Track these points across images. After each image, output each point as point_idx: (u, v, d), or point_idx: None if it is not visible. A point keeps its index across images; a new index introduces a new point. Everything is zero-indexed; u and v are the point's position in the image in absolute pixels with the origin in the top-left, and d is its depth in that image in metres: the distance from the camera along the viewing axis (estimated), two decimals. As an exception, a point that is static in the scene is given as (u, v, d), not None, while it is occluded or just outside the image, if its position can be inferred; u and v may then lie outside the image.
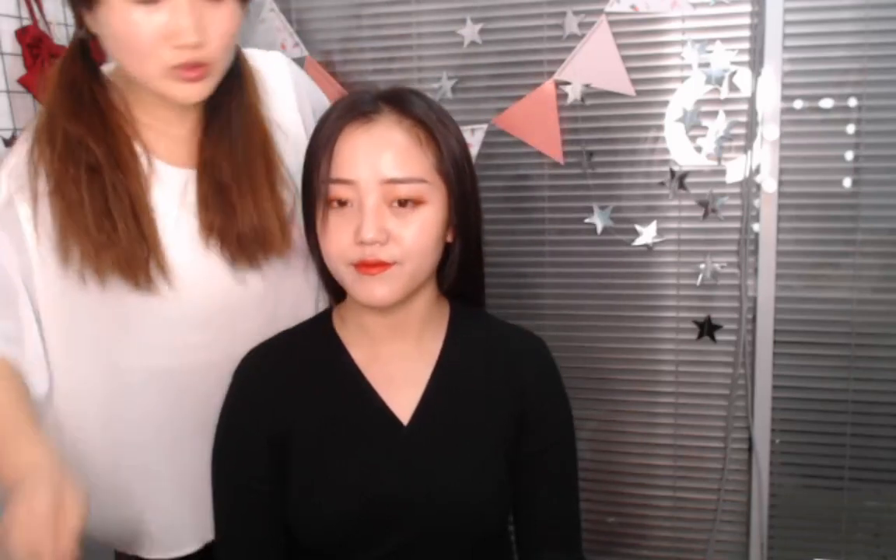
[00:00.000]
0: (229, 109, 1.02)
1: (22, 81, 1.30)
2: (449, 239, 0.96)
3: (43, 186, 0.95)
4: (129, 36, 0.88)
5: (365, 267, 0.87)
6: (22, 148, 0.99)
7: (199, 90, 0.94)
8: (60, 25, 1.39)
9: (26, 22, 1.31)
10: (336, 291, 1.00)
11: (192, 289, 1.02)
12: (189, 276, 1.01)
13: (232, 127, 1.01)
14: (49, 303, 1.00)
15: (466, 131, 1.79)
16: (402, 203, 0.88)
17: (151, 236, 0.97)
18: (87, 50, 0.97)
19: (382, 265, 0.87)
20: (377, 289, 0.88)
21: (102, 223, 0.94)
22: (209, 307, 1.04)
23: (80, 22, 0.95)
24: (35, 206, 0.95)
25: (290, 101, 1.12)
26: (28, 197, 0.96)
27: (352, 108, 0.90)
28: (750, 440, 1.81)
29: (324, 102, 1.22)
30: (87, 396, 1.07)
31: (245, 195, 1.01)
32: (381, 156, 0.87)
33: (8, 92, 1.29)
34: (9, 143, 1.29)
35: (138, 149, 0.99)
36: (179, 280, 1.00)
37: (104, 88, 0.99)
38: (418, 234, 0.88)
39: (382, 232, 0.86)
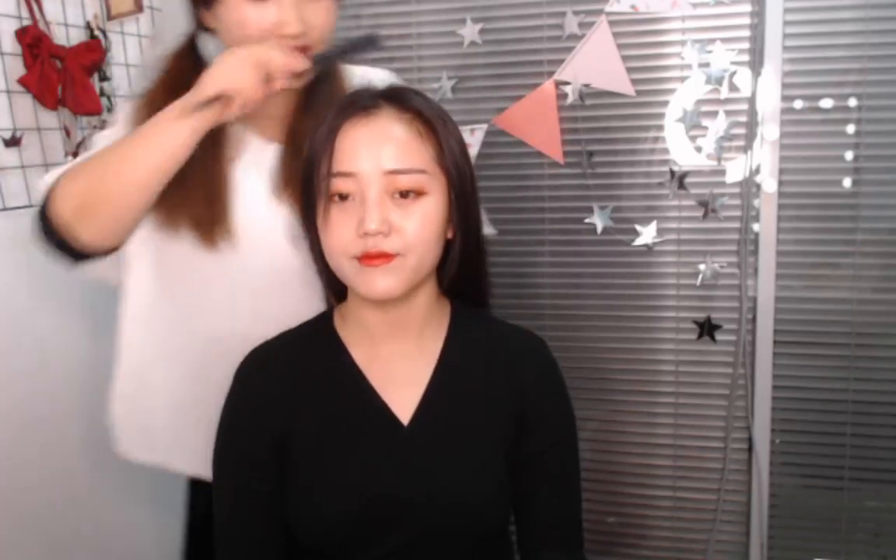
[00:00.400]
0: (322, 95, 1.10)
1: (22, 81, 1.30)
2: (449, 235, 0.96)
3: None
4: (242, 29, 1.01)
5: (368, 259, 0.87)
6: (119, 116, 1.13)
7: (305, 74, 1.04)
8: (60, 25, 1.39)
9: (26, 22, 1.31)
10: (337, 291, 1.00)
11: (258, 250, 1.09)
12: (256, 237, 1.08)
13: (316, 105, 1.10)
14: (139, 250, 1.11)
15: (466, 131, 1.80)
16: (404, 195, 0.88)
17: (225, 199, 1.07)
18: (195, 45, 1.10)
19: (385, 257, 0.87)
20: (380, 281, 0.88)
21: (183, 183, 1.02)
22: (270, 269, 1.09)
23: (197, 19, 1.08)
24: None
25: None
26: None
27: (351, 105, 0.91)
28: (750, 440, 1.81)
29: None
30: (161, 344, 1.15)
31: None
32: (381, 148, 0.88)
33: (8, 92, 1.29)
34: (9, 143, 1.29)
35: (235, 124, 1.07)
36: (248, 242, 1.08)
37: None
38: (420, 225, 0.89)
39: (385, 222, 0.86)
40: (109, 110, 1.52)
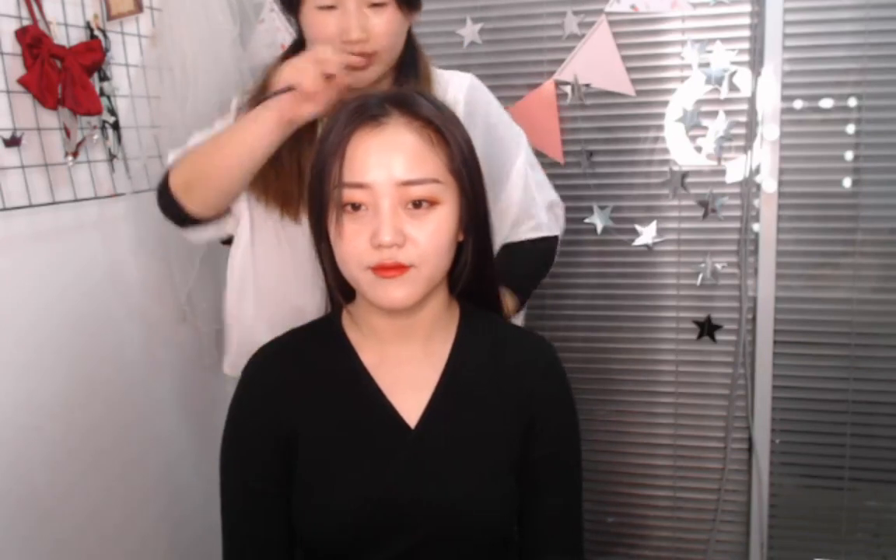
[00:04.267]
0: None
1: (22, 81, 1.30)
2: (460, 238, 0.96)
3: None
4: (316, 34, 1.18)
5: (383, 270, 0.87)
6: (231, 106, 1.35)
7: (367, 75, 1.19)
8: (60, 25, 1.38)
9: (26, 22, 1.31)
10: (345, 292, 1.00)
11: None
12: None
13: None
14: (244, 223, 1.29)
15: (466, 131, 1.79)
16: (417, 204, 0.88)
17: (302, 191, 1.22)
18: (299, 48, 1.24)
19: (400, 268, 0.87)
20: (395, 291, 0.88)
21: (277, 163, 1.21)
22: None
23: (297, 26, 1.25)
24: None
25: (457, 106, 1.23)
26: None
27: (360, 113, 0.90)
28: (750, 440, 1.81)
29: (496, 118, 1.34)
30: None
31: None
32: (393, 158, 0.87)
33: (8, 92, 1.29)
34: (9, 143, 1.29)
35: (322, 119, 1.20)
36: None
37: None
38: (434, 235, 0.88)
39: (399, 234, 0.86)
40: (110, 110, 1.52)
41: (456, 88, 1.29)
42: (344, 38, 1.15)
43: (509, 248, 1.34)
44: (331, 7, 1.15)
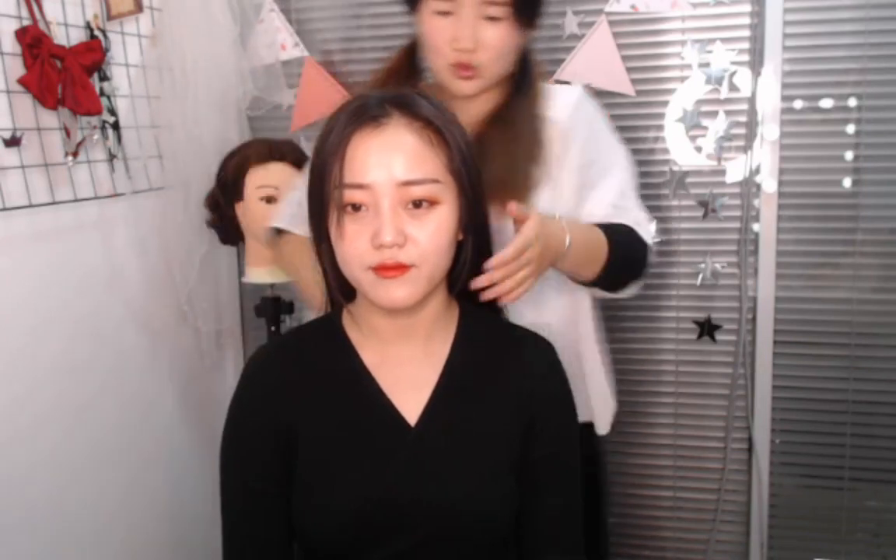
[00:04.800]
0: (513, 105, 1.24)
1: (22, 81, 1.30)
2: (460, 237, 0.96)
3: None
4: (429, 37, 1.20)
5: (384, 270, 0.87)
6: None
7: (469, 86, 1.20)
8: (60, 25, 1.39)
9: (26, 22, 1.31)
10: (346, 292, 1.00)
11: None
12: None
13: (514, 119, 1.23)
14: None
15: (466, 131, 1.79)
16: (417, 205, 0.88)
17: None
18: (414, 50, 1.29)
19: (401, 268, 0.87)
20: (396, 291, 0.88)
21: None
22: None
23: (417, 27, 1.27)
24: None
25: (560, 123, 1.25)
26: None
27: (360, 113, 0.90)
28: (750, 440, 1.81)
29: (596, 135, 1.29)
30: None
31: (501, 172, 1.17)
32: (394, 159, 0.87)
33: (8, 92, 1.29)
34: (9, 143, 1.29)
35: None
36: None
37: (419, 80, 1.29)
38: (434, 235, 0.89)
39: (400, 234, 0.86)
40: (110, 110, 1.52)
41: (561, 106, 1.27)
42: (455, 45, 1.16)
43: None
44: (447, 13, 1.16)
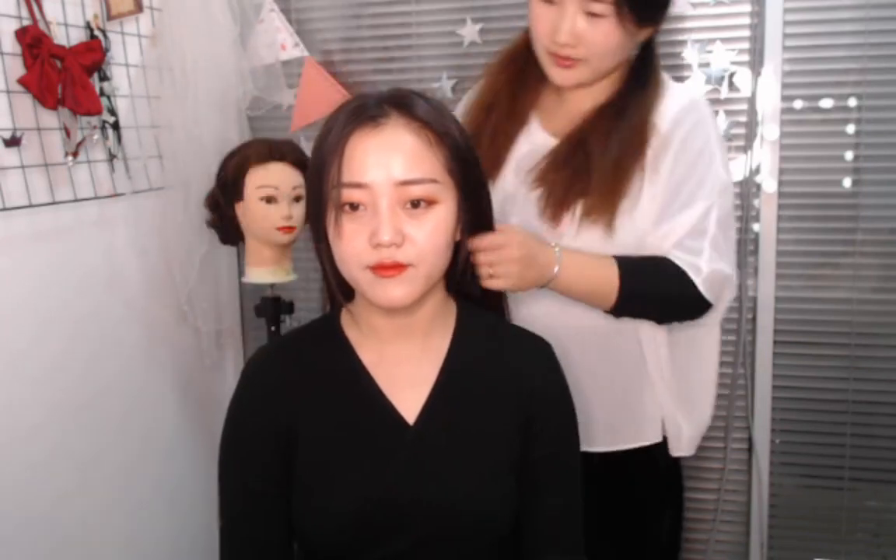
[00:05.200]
0: (625, 105, 1.22)
1: (22, 81, 1.30)
2: (457, 237, 0.97)
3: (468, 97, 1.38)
4: (533, 22, 1.19)
5: (382, 269, 0.88)
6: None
7: (568, 76, 1.19)
8: (60, 25, 1.38)
9: (26, 22, 1.31)
10: (345, 292, 1.00)
11: (502, 211, 1.24)
12: (507, 202, 1.26)
13: (622, 117, 1.20)
14: None
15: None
16: (415, 204, 0.89)
17: (495, 163, 1.27)
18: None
19: (399, 267, 0.88)
20: (394, 290, 0.89)
21: (475, 138, 1.19)
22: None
23: None
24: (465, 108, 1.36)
25: (660, 129, 1.22)
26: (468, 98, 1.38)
27: (359, 113, 0.90)
28: (750, 440, 1.81)
29: (695, 147, 1.22)
30: None
31: (597, 170, 1.19)
32: (392, 158, 0.88)
33: (8, 92, 1.29)
34: (9, 143, 1.29)
35: (532, 112, 1.28)
36: (504, 210, 1.25)
37: (535, 67, 1.26)
38: (432, 234, 0.89)
39: (398, 233, 0.87)
40: (110, 110, 1.52)
41: (666, 110, 1.22)
42: (554, 37, 1.15)
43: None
44: (550, 2, 1.14)
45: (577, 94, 1.23)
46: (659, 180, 1.20)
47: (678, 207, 1.19)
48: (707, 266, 1.17)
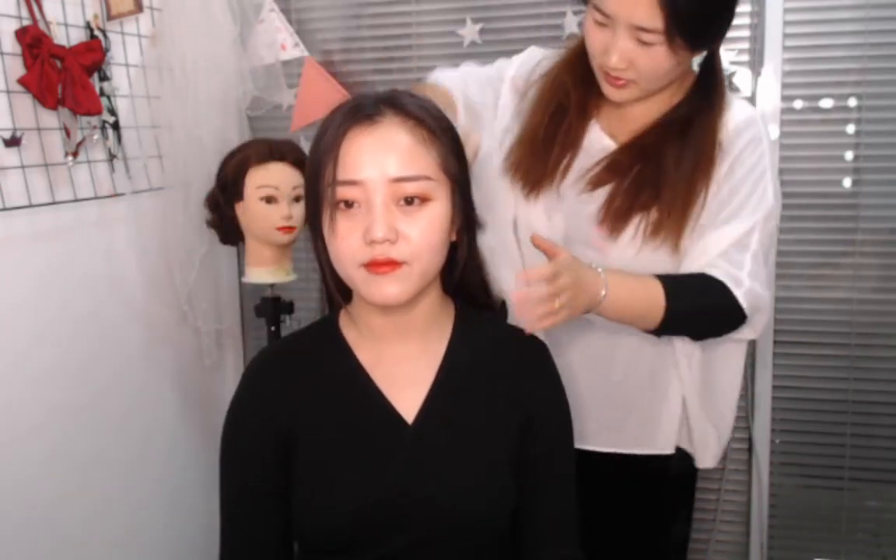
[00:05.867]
0: (692, 119, 1.20)
1: (22, 81, 1.30)
2: (453, 238, 0.97)
3: (530, 96, 1.31)
4: (587, 39, 1.18)
5: (376, 266, 0.88)
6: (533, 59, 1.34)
7: (620, 94, 1.18)
8: (60, 25, 1.39)
9: (26, 22, 1.31)
10: (343, 293, 1.00)
11: (553, 215, 1.25)
12: (557, 205, 1.25)
13: (690, 132, 1.19)
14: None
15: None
16: (409, 201, 0.89)
17: (564, 165, 1.24)
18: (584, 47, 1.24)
19: (393, 264, 0.88)
20: (388, 288, 0.89)
21: (536, 138, 1.25)
22: (556, 237, 1.22)
23: None
24: (520, 101, 1.32)
25: (725, 140, 1.20)
26: (520, 89, 1.32)
27: (354, 112, 0.91)
28: (750, 440, 1.81)
29: (744, 166, 1.19)
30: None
31: (668, 185, 1.17)
32: (386, 156, 0.88)
33: (8, 92, 1.29)
34: (9, 143, 1.29)
35: (593, 117, 1.27)
36: (548, 204, 1.25)
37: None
38: (426, 231, 0.89)
39: (392, 230, 0.87)
40: (110, 110, 1.52)
41: (730, 119, 1.21)
42: (604, 58, 1.14)
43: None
44: (604, 24, 1.13)
45: (639, 102, 1.21)
46: (717, 193, 1.19)
47: (726, 217, 1.17)
48: (748, 280, 1.15)
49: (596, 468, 1.27)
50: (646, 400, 1.28)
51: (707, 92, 1.21)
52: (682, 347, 1.25)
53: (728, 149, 1.19)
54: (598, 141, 1.25)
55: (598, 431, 1.29)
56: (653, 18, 1.06)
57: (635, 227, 1.18)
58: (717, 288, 1.14)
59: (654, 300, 1.11)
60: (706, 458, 1.31)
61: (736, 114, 1.21)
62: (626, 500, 1.32)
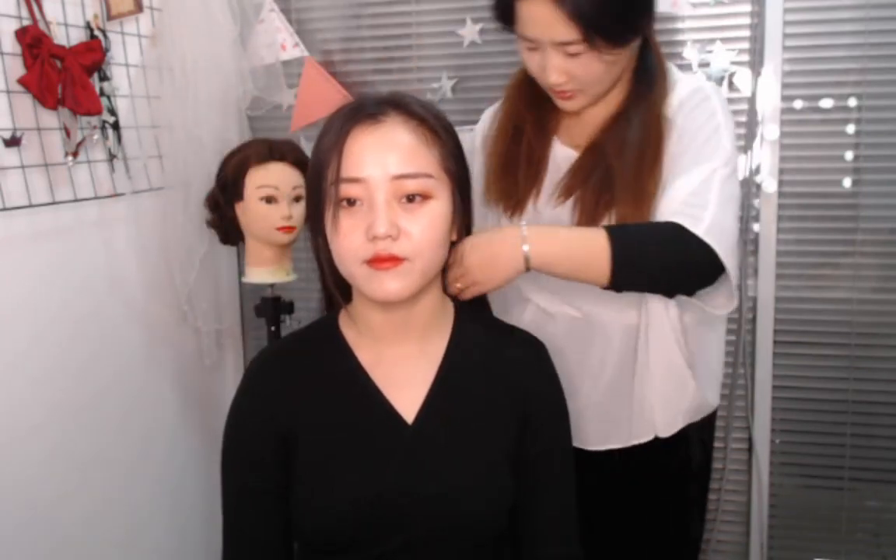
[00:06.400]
0: (636, 108, 1.22)
1: (22, 81, 1.30)
2: (454, 237, 0.98)
3: (490, 133, 1.35)
4: (527, 67, 1.22)
5: (378, 262, 0.89)
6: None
7: (571, 105, 1.22)
8: (60, 25, 1.39)
9: (26, 22, 1.31)
10: (343, 293, 1.01)
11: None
12: (537, 222, 1.26)
13: (632, 120, 1.21)
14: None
15: (466, 131, 1.79)
16: (411, 199, 0.90)
17: (536, 185, 1.28)
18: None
19: (395, 260, 0.89)
20: (390, 284, 0.89)
21: (502, 164, 1.30)
22: None
23: None
24: (486, 132, 1.37)
25: (669, 120, 1.21)
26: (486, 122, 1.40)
27: (357, 111, 0.92)
28: (750, 440, 1.81)
29: (696, 123, 1.20)
30: None
31: (618, 177, 1.19)
32: (388, 154, 0.89)
33: (8, 92, 1.29)
34: (9, 143, 1.29)
35: (553, 134, 1.31)
36: (529, 222, 1.25)
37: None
38: (427, 228, 0.90)
39: (394, 226, 0.88)
40: (110, 110, 1.52)
41: (674, 101, 1.22)
42: (544, 78, 1.18)
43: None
44: (534, 48, 1.17)
45: (587, 114, 1.26)
46: (669, 160, 1.20)
47: (683, 168, 1.16)
48: (710, 216, 1.11)
49: (599, 468, 1.28)
50: (626, 387, 1.28)
51: (646, 79, 1.23)
52: (654, 319, 1.24)
53: (675, 119, 1.20)
54: (563, 154, 1.28)
55: (595, 431, 1.29)
56: (569, 32, 1.10)
57: (607, 223, 1.19)
58: (671, 228, 1.11)
59: (595, 244, 1.09)
60: (711, 396, 1.31)
61: (681, 89, 1.23)
62: (632, 498, 1.32)
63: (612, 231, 1.10)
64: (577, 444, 1.15)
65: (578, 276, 1.11)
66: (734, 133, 1.23)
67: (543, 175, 1.28)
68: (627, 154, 1.19)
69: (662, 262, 1.12)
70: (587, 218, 1.20)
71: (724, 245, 1.11)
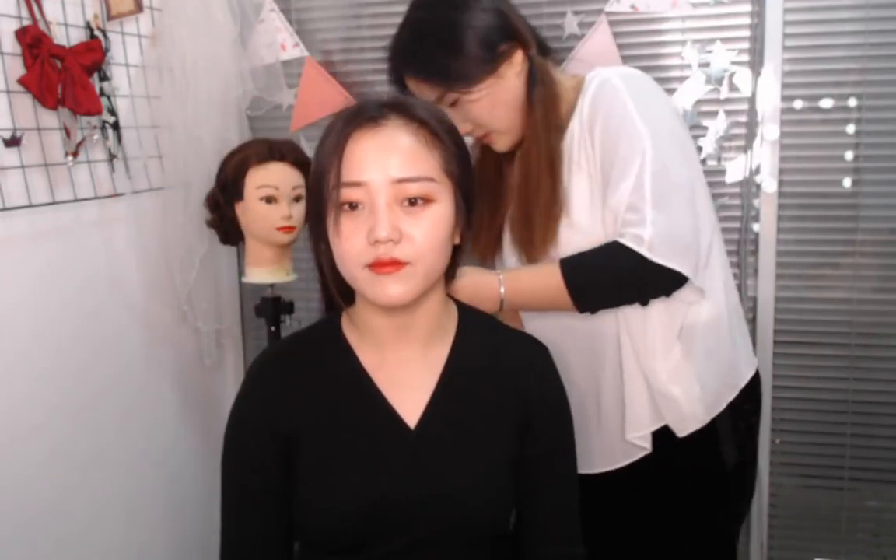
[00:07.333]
0: (527, 143, 1.28)
1: (22, 81, 1.30)
2: (456, 240, 0.97)
3: None
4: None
5: (380, 265, 0.88)
6: None
7: (496, 146, 1.32)
8: (60, 25, 1.38)
9: (26, 22, 1.31)
10: (344, 296, 1.00)
11: (509, 262, 1.38)
12: (510, 255, 1.36)
13: (526, 159, 1.28)
14: None
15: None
16: (412, 202, 0.89)
17: (486, 232, 1.39)
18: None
19: (396, 264, 0.88)
20: (392, 287, 0.89)
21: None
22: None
23: None
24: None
25: (583, 125, 1.24)
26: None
27: (358, 115, 0.91)
28: (750, 440, 1.81)
29: (616, 119, 1.20)
30: None
31: (529, 203, 1.27)
32: (390, 157, 0.89)
33: (8, 92, 1.29)
34: (9, 143, 1.29)
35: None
36: (503, 258, 1.39)
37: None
38: (429, 232, 0.90)
39: (396, 230, 0.87)
40: (110, 110, 1.52)
41: (584, 106, 1.24)
42: (462, 130, 1.16)
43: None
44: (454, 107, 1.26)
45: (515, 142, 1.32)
46: (593, 170, 1.23)
47: (613, 186, 1.18)
48: (649, 231, 1.12)
49: (609, 489, 1.29)
50: (610, 401, 1.29)
51: (537, 101, 1.27)
52: (621, 334, 1.26)
53: (592, 128, 1.22)
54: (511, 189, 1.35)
55: (592, 453, 1.30)
56: (431, 90, 1.24)
57: (545, 244, 1.26)
58: (620, 251, 1.14)
59: (553, 281, 1.18)
60: (685, 425, 1.25)
61: (591, 89, 1.24)
62: (655, 503, 1.29)
63: (563, 264, 1.19)
64: (602, 467, 1.29)
65: (553, 308, 1.22)
66: (660, 101, 1.25)
67: (504, 216, 1.37)
68: (519, 200, 1.29)
69: (619, 283, 1.18)
70: (528, 249, 1.29)
71: (673, 248, 1.13)
